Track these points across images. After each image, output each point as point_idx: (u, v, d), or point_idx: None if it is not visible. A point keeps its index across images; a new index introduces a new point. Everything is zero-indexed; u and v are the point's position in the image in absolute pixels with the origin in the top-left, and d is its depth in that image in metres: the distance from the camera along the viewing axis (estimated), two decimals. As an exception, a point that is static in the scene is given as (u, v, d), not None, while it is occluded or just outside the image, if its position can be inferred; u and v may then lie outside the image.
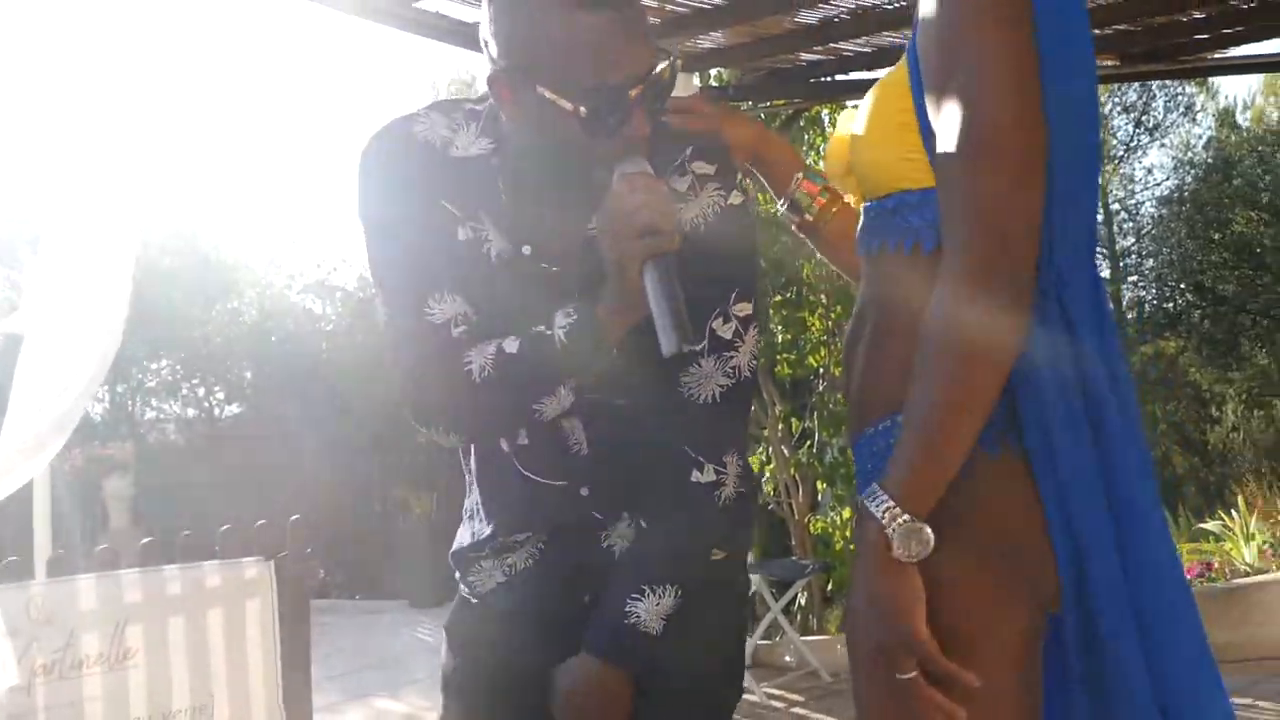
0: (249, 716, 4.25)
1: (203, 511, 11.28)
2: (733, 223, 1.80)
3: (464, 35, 5.05)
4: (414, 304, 1.71)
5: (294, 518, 4.61)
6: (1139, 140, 17.44)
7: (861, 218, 1.60)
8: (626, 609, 1.72)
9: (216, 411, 17.29)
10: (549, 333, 1.63)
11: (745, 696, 5.38)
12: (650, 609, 1.72)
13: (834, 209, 1.94)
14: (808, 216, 1.96)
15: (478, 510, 1.92)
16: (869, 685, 1.48)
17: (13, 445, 3.47)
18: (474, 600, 1.95)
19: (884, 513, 1.35)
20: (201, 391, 17.07)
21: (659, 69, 1.64)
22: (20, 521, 3.82)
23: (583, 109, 1.60)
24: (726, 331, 1.78)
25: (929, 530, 1.36)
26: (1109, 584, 1.38)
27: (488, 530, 1.88)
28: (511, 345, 1.65)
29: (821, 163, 1.94)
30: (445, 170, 1.74)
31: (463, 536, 1.97)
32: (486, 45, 1.69)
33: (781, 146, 2.10)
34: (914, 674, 1.34)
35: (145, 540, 4.28)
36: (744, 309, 1.80)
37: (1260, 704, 4.87)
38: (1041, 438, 1.40)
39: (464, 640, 1.98)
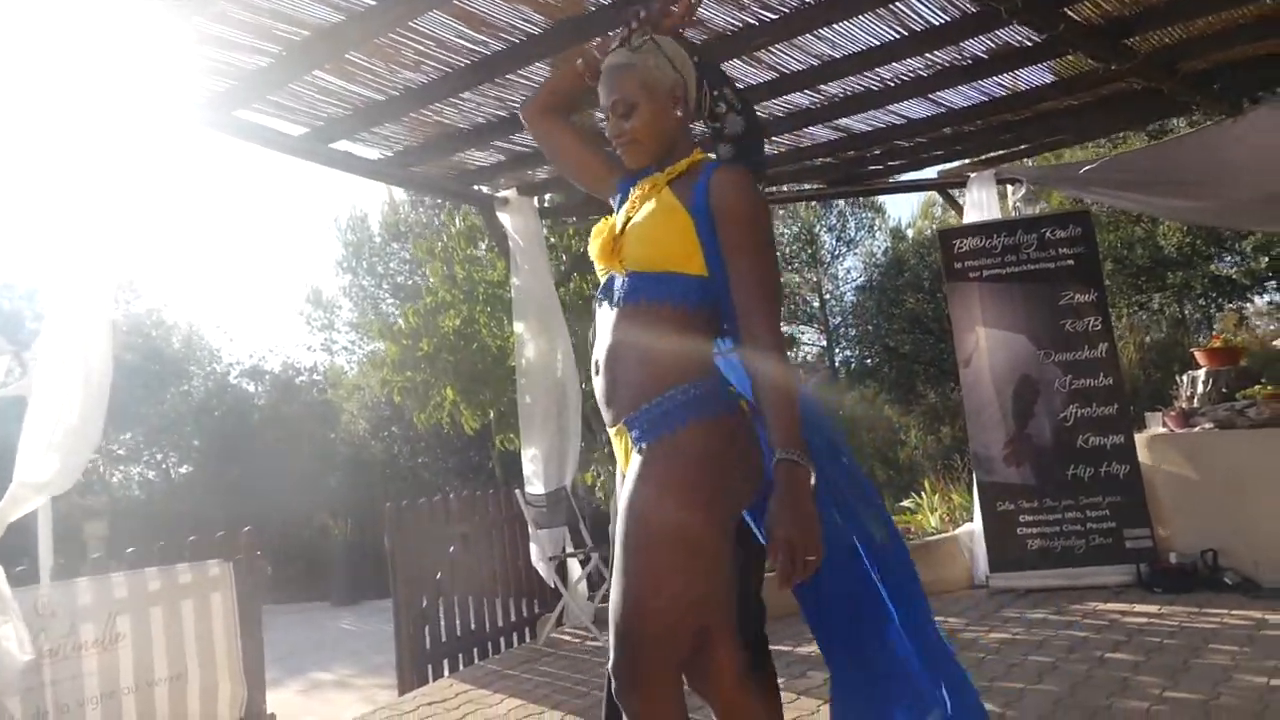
0: (216, 682, 4.06)
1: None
2: None
3: (367, 169, 5.03)
4: None
5: (246, 529, 4.45)
6: (840, 250, 18.12)
7: (625, 282, 1.93)
8: None
9: (172, 472, 16.38)
10: None
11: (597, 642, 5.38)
12: None
13: None
14: None
15: None
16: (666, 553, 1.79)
17: (28, 480, 3.28)
18: None
19: (796, 458, 1.74)
20: (159, 457, 16.18)
21: None
22: (22, 537, 3.58)
23: None
24: None
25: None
26: None
27: None
28: None
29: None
30: None
31: None
32: None
33: None
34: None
35: (129, 549, 4.07)
36: None
37: (947, 620, 5.02)
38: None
39: None
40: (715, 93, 2.44)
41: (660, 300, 1.88)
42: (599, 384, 1.97)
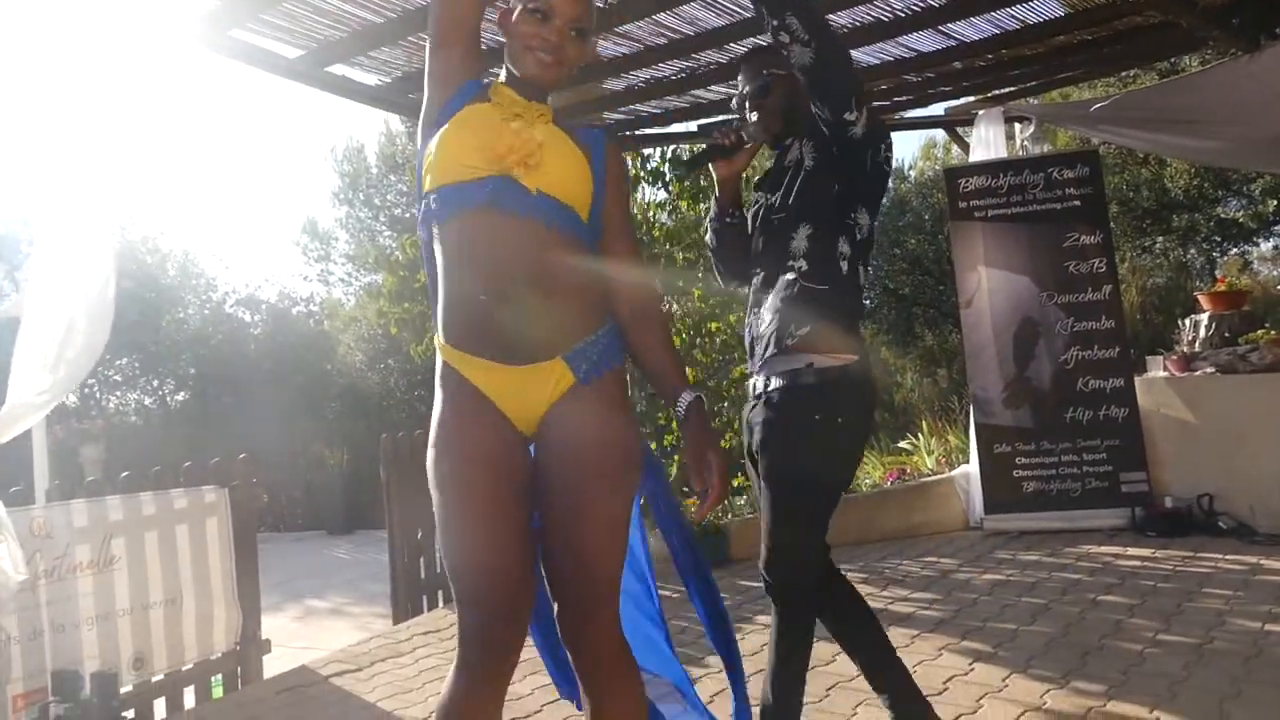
0: (211, 607, 4.08)
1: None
2: None
3: (366, 95, 4.91)
4: None
5: (242, 455, 4.44)
6: (842, 190, 17.83)
7: (536, 200, 1.75)
8: None
9: (168, 400, 16.38)
10: None
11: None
12: None
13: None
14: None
15: None
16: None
17: (21, 398, 3.25)
18: None
19: (694, 398, 1.85)
20: (156, 383, 16.17)
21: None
22: (17, 460, 3.56)
23: None
24: None
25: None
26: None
27: None
28: None
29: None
30: None
31: None
32: None
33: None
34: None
35: (124, 474, 4.06)
36: None
37: (941, 560, 5.08)
38: None
39: None
40: (775, 23, 2.16)
41: (573, 232, 1.80)
42: (514, 308, 1.72)
